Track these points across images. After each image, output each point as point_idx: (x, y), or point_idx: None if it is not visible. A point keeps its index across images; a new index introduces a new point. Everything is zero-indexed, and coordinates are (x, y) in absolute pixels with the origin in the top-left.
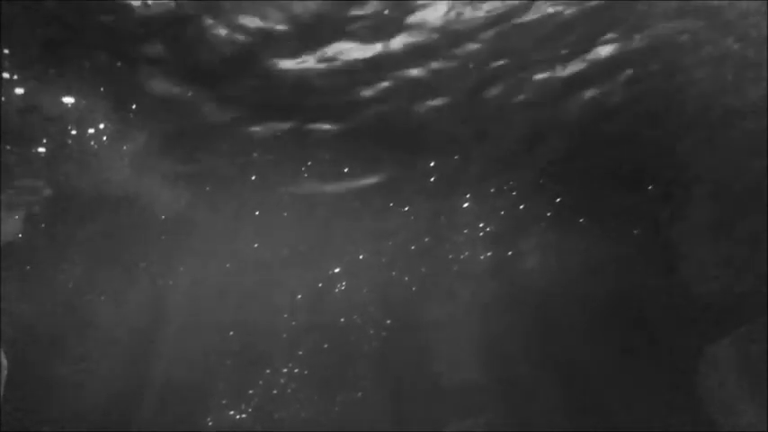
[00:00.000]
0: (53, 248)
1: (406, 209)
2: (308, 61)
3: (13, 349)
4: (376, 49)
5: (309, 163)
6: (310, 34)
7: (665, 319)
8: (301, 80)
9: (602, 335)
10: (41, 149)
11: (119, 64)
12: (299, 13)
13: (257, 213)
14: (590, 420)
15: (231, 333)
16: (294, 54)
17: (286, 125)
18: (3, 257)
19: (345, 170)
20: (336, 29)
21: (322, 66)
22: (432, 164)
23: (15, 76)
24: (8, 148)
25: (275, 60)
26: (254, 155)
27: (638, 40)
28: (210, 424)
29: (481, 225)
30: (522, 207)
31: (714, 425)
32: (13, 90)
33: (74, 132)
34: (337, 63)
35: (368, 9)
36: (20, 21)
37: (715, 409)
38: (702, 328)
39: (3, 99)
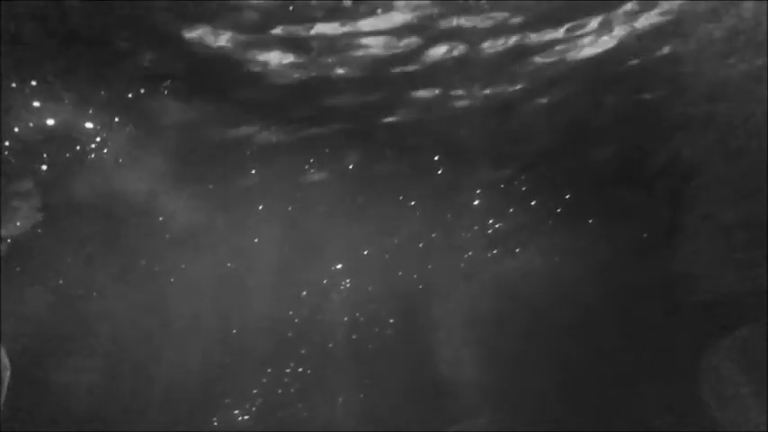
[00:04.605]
0: (55, 249)
1: (413, 204)
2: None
3: (15, 350)
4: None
5: (312, 160)
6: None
7: (665, 318)
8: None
9: (602, 334)
10: (44, 166)
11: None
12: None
13: (260, 208)
14: (590, 420)
15: (234, 331)
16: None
17: (289, 126)
18: (4, 258)
19: (350, 166)
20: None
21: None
22: (436, 158)
23: (28, 92)
24: (10, 158)
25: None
26: (250, 152)
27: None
28: (216, 424)
29: (490, 222)
30: (532, 203)
31: (714, 425)
32: (15, 102)
33: (78, 147)
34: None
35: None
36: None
37: (715, 409)
38: (702, 328)
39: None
